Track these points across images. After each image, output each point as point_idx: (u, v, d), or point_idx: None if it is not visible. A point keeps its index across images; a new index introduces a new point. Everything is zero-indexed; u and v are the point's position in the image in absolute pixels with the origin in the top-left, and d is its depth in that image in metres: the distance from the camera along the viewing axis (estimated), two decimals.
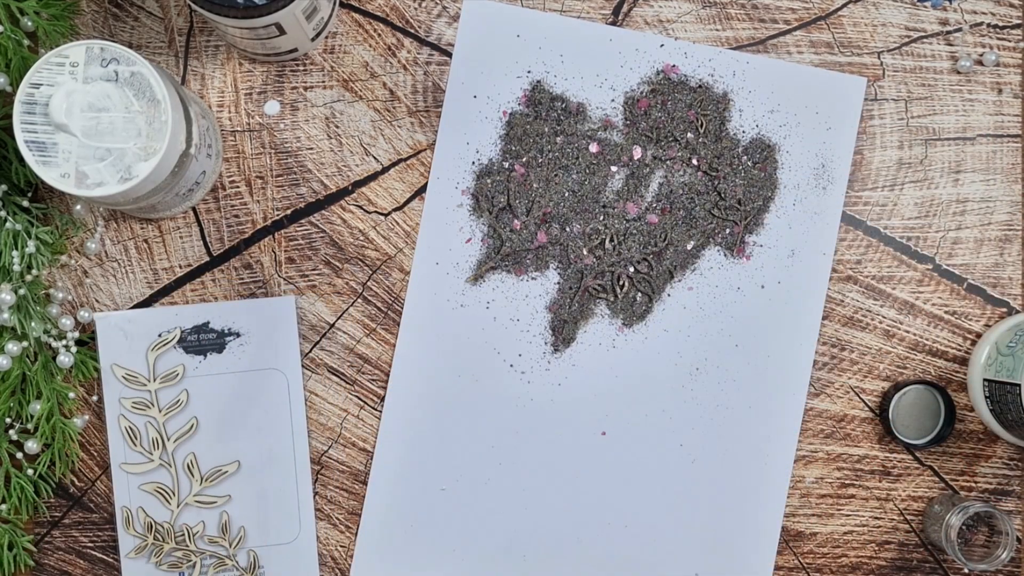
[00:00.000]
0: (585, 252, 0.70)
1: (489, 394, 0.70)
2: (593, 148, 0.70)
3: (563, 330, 0.70)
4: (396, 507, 0.70)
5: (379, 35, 0.71)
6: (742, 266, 0.71)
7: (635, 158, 0.70)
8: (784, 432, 0.70)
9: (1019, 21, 0.72)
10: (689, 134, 0.70)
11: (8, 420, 0.68)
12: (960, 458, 0.71)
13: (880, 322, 0.71)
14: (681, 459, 0.70)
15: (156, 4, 0.71)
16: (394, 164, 0.71)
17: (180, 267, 0.70)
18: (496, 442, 0.70)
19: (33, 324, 0.67)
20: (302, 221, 0.71)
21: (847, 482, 0.71)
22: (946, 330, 0.71)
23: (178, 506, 0.69)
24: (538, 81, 0.71)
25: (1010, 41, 0.72)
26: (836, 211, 0.71)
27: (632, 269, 0.70)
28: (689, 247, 0.70)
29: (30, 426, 0.68)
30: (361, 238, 0.71)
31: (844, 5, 0.72)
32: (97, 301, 0.70)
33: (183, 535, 0.69)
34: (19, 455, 0.68)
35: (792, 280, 0.71)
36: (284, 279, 0.70)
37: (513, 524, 0.70)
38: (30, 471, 0.68)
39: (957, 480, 0.71)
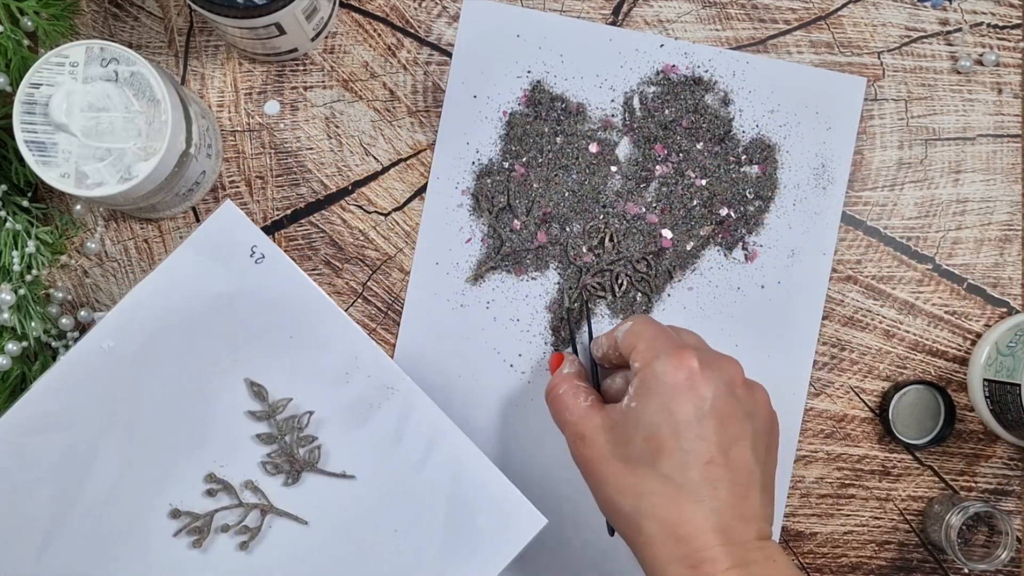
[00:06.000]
0: (585, 252, 0.70)
1: (489, 394, 0.70)
2: (593, 148, 0.70)
3: (563, 330, 0.70)
4: None
5: (379, 35, 0.71)
6: (742, 266, 0.71)
7: (634, 158, 0.70)
8: (784, 432, 0.70)
9: (1019, 21, 0.72)
10: (688, 131, 0.70)
11: None
12: (960, 458, 0.71)
13: (880, 322, 0.71)
14: None
15: (156, 4, 0.71)
16: (394, 164, 0.71)
17: None
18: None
19: (33, 324, 0.67)
20: (302, 221, 0.71)
21: (847, 482, 0.71)
22: (946, 330, 0.71)
23: None
24: (538, 81, 0.71)
25: (1010, 41, 0.72)
26: (836, 211, 0.71)
27: (632, 269, 0.70)
28: (689, 247, 0.70)
29: None
30: (361, 238, 0.71)
31: (844, 5, 0.72)
32: (97, 301, 0.70)
33: None
34: None
35: (792, 280, 0.71)
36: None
37: None
38: None
39: (957, 480, 0.71)
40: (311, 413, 0.60)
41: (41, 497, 0.58)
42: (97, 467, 0.59)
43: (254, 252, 0.60)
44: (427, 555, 0.60)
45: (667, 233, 0.70)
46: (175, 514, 0.59)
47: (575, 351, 0.68)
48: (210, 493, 0.60)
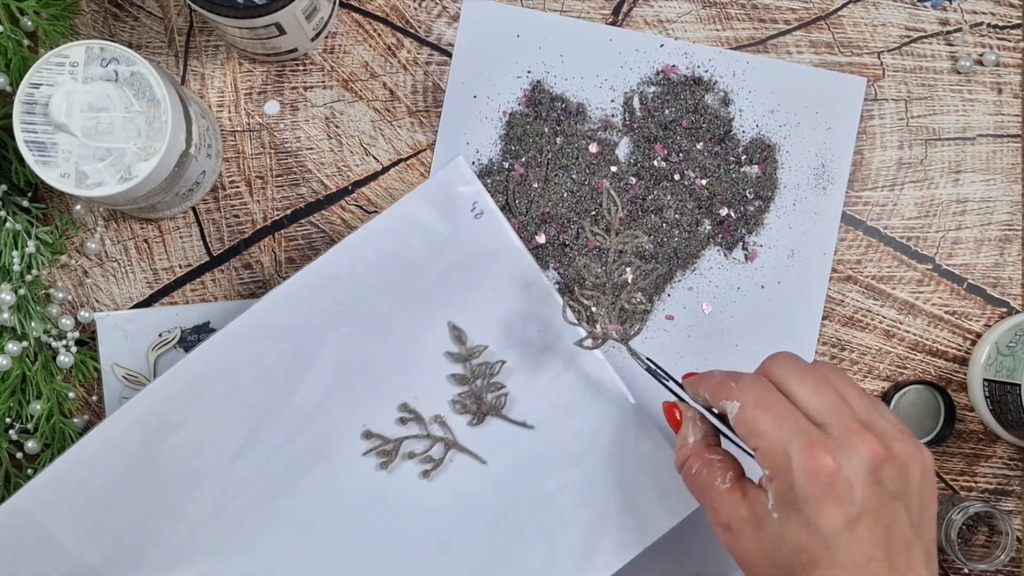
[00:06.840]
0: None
1: None
2: (593, 148, 0.70)
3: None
4: None
5: (379, 35, 0.71)
6: (742, 266, 0.71)
7: (634, 158, 0.70)
8: None
9: (1019, 21, 0.72)
10: (688, 131, 0.70)
11: (8, 420, 0.68)
12: (960, 458, 0.71)
13: (880, 322, 0.71)
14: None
15: (156, 4, 0.71)
16: (394, 164, 0.71)
17: (180, 267, 0.70)
18: None
19: (33, 324, 0.67)
20: (302, 221, 0.71)
21: None
22: (946, 330, 0.71)
23: None
24: (538, 81, 0.71)
25: (1010, 41, 0.72)
26: (836, 211, 0.71)
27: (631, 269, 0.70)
28: (689, 247, 0.70)
29: (30, 426, 0.68)
30: None
31: (844, 5, 0.72)
32: (97, 301, 0.70)
33: None
34: (19, 455, 0.68)
35: (792, 280, 0.71)
36: (284, 279, 0.70)
37: None
38: (30, 471, 0.68)
39: (957, 480, 0.71)
40: (503, 362, 0.64)
41: (252, 400, 0.62)
42: (306, 380, 0.62)
43: (475, 207, 0.63)
44: (583, 515, 0.63)
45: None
46: (367, 435, 0.63)
47: (677, 399, 0.61)
48: (402, 421, 0.63)
